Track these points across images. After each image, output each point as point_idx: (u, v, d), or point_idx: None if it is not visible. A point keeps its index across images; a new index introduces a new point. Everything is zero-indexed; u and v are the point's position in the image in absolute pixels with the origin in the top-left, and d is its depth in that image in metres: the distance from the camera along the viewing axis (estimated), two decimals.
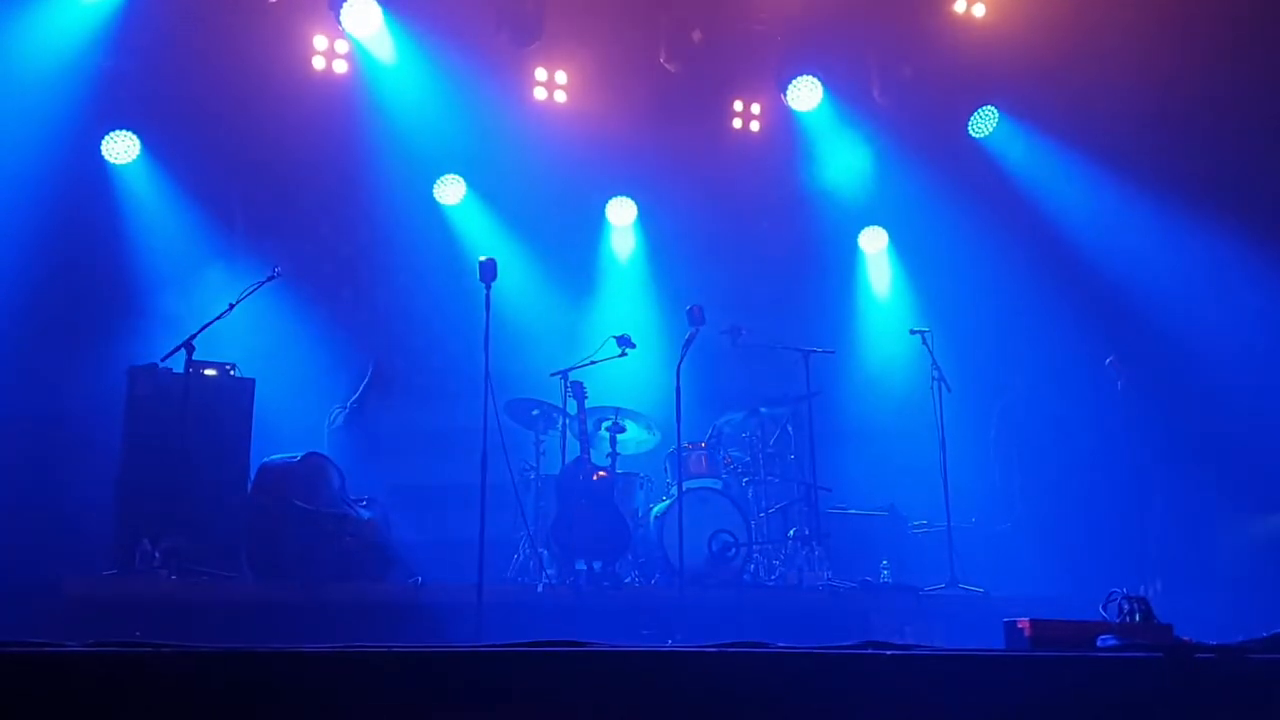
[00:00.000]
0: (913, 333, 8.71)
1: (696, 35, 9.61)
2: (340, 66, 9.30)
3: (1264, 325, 8.36)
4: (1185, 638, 3.61)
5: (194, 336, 6.90)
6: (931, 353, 8.57)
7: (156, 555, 6.50)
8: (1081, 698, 3.21)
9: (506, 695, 2.84)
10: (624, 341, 8.18)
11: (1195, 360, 8.55)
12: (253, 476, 7.10)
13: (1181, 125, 8.86)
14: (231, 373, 7.49)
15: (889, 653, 3.14)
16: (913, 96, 10.09)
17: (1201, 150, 8.81)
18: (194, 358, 6.92)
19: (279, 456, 7.10)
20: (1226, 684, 3.33)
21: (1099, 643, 3.64)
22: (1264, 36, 8.37)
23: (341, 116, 9.29)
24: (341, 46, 9.27)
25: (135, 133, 8.83)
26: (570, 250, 10.36)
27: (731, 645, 3.15)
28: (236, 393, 7.42)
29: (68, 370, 8.00)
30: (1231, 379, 8.35)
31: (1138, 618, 3.78)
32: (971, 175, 10.14)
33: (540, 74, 9.92)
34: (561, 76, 9.96)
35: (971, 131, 10.32)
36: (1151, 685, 3.30)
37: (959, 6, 9.78)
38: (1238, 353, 8.38)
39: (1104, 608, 3.85)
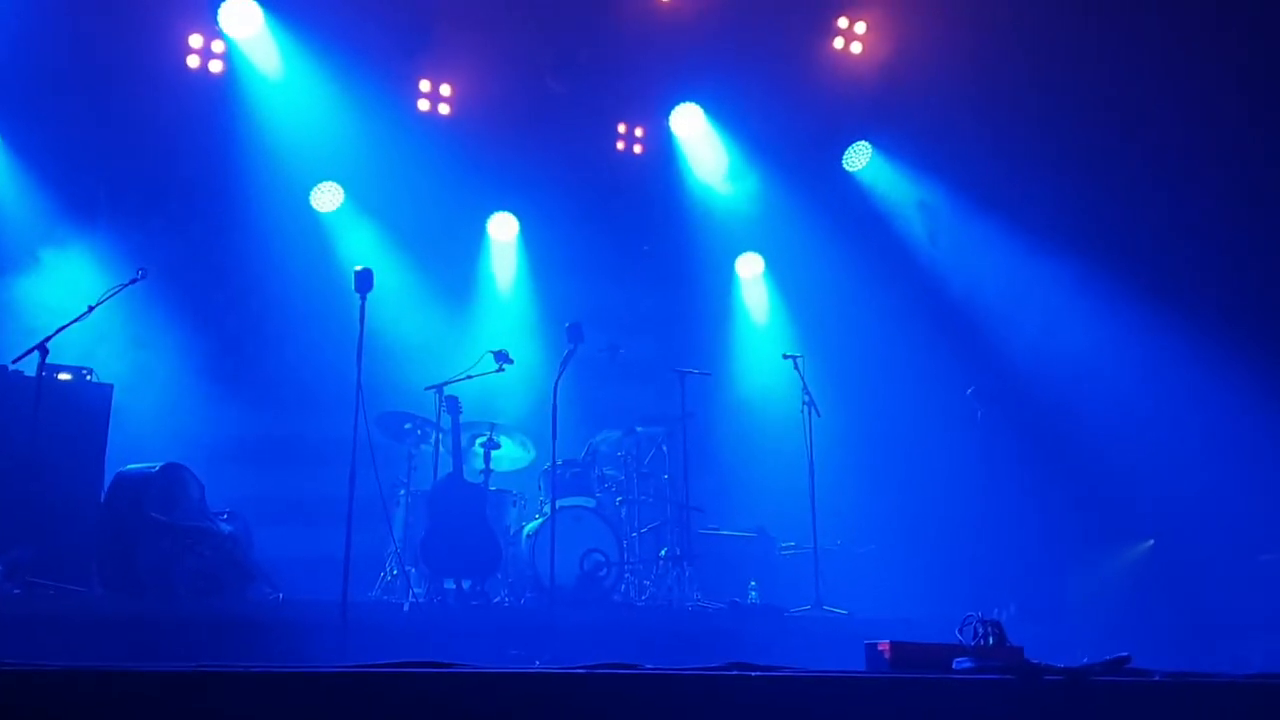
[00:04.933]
0: (785, 357, 8.87)
1: (582, 58, 9.68)
2: (216, 66, 9.07)
3: (1122, 360, 8.78)
4: (1035, 660, 3.74)
5: (49, 339, 6.58)
6: (803, 377, 8.73)
7: (0, 567, 6.18)
8: (938, 718, 3.31)
9: (369, 717, 2.78)
10: (501, 357, 8.12)
11: (1052, 393, 8.93)
12: (107, 486, 6.81)
13: (1045, 163, 9.28)
14: (88, 377, 7.18)
15: (754, 674, 3.18)
16: (791, 128, 10.33)
17: (1066, 188, 9.24)
18: (48, 361, 6.60)
19: (136, 466, 6.81)
20: (1073, 704, 3.48)
21: (955, 665, 3.77)
22: (1129, 79, 8.80)
23: (217, 117, 9.07)
24: (218, 46, 9.05)
25: None
26: (450, 263, 10.28)
27: (598, 666, 3.16)
28: (93, 398, 7.10)
29: None
30: (1088, 412, 8.75)
31: (991, 641, 3.91)
32: (845, 206, 10.44)
33: (424, 85, 9.84)
34: (446, 89, 9.89)
35: (845, 165, 10.62)
36: (1004, 705, 3.43)
37: (838, 43, 10.08)
38: (1095, 386, 8.79)
39: (960, 631, 3.98)
